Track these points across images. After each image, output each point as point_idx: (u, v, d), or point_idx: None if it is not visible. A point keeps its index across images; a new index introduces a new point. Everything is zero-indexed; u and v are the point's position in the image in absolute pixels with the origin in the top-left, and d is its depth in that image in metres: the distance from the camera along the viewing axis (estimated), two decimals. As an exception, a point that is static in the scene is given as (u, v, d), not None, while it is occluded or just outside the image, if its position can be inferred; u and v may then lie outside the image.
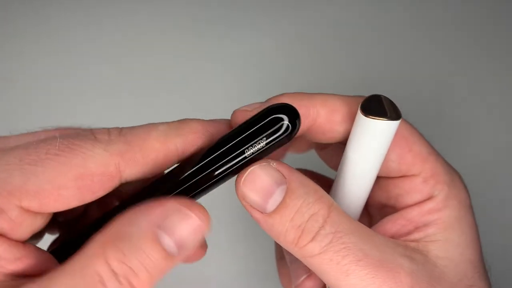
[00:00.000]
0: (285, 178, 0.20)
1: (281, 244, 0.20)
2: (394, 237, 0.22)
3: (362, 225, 0.21)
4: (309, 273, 0.24)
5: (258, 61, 0.44)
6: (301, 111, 0.20)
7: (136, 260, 0.17)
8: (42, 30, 0.46)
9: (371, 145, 0.20)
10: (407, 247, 0.21)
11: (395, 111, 0.20)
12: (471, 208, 0.22)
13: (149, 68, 0.45)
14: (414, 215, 0.22)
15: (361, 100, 0.21)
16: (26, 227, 0.19)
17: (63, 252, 0.21)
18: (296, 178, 0.20)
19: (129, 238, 0.17)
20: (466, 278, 0.21)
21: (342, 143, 0.22)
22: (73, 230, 0.25)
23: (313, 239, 0.19)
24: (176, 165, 0.21)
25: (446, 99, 0.41)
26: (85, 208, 0.25)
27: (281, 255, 0.27)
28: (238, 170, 0.20)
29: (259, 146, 0.19)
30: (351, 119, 0.21)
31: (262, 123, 0.19)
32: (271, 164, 0.20)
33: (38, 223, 0.19)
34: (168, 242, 0.17)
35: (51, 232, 0.25)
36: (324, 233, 0.19)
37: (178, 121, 0.21)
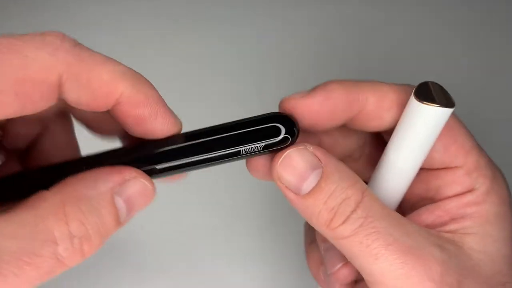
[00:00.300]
0: (321, 162, 0.20)
1: (314, 226, 0.21)
2: (428, 227, 0.22)
3: (395, 212, 0.21)
4: (345, 261, 0.24)
5: (261, 60, 0.44)
6: (350, 97, 0.21)
7: (94, 222, 0.17)
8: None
9: (422, 131, 0.20)
10: (441, 237, 0.21)
11: (448, 99, 0.20)
12: (511, 205, 0.22)
13: (150, 67, 0.44)
14: (452, 206, 0.22)
15: (408, 88, 0.21)
16: None
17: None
18: (331, 163, 0.21)
19: (89, 200, 0.17)
20: (501, 274, 0.21)
21: (388, 132, 0.22)
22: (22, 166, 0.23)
23: (344, 221, 0.20)
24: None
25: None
26: (35, 141, 0.23)
27: (312, 239, 0.28)
28: (216, 160, 0.20)
29: (248, 147, 0.20)
30: (399, 106, 0.21)
31: (259, 127, 0.20)
32: (308, 148, 0.21)
33: None
34: (121, 206, 0.18)
35: None
36: (355, 217, 0.20)
37: (139, 74, 0.19)
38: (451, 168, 0.22)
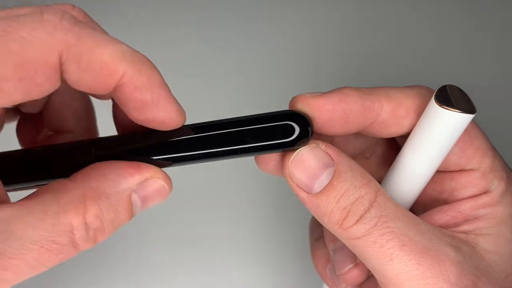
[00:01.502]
0: (333, 160, 0.20)
1: (325, 225, 0.21)
2: (442, 227, 0.22)
3: (408, 212, 0.21)
4: (356, 262, 0.24)
5: (264, 61, 0.44)
6: (365, 104, 0.21)
7: (109, 218, 0.18)
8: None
9: (441, 136, 0.20)
10: (454, 238, 0.21)
11: (469, 104, 0.20)
12: None
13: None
14: (466, 207, 0.22)
15: (425, 92, 0.21)
16: None
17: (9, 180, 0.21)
18: (344, 161, 0.20)
19: (108, 197, 0.18)
20: None
21: (404, 136, 0.22)
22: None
23: (357, 221, 0.20)
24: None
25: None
26: (48, 104, 0.24)
27: (318, 235, 0.27)
28: (223, 155, 0.20)
29: (260, 145, 0.20)
30: (416, 113, 0.21)
31: (273, 124, 0.20)
32: (320, 146, 0.20)
33: None
34: (137, 202, 0.19)
35: (8, 121, 0.25)
36: (369, 216, 0.20)
37: (142, 55, 0.19)
38: (466, 170, 0.22)
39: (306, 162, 0.20)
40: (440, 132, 0.20)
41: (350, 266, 0.24)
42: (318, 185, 0.20)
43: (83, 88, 0.18)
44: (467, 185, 0.22)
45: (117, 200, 0.18)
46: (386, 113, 0.21)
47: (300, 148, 0.20)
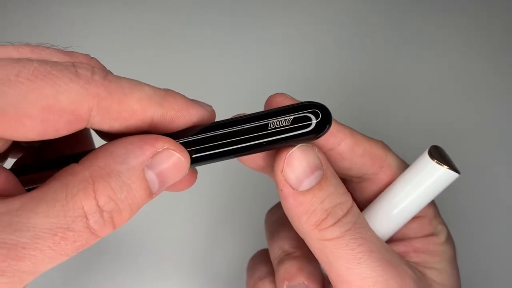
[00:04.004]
0: (323, 165, 0.21)
1: (299, 224, 0.21)
2: None
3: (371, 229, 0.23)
4: None
5: (263, 60, 0.45)
6: (329, 134, 0.23)
7: (124, 197, 0.17)
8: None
9: (429, 189, 0.23)
10: (409, 262, 0.24)
11: (454, 165, 0.23)
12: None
13: (153, 66, 0.44)
14: (417, 242, 0.25)
15: (382, 145, 0.25)
16: None
17: (24, 172, 0.21)
18: (331, 168, 0.22)
19: (119, 175, 0.17)
20: None
21: (356, 176, 0.25)
22: (38, 155, 0.24)
23: (335, 223, 0.21)
24: None
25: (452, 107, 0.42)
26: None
27: (262, 275, 0.27)
28: (243, 151, 0.20)
29: (281, 135, 0.20)
30: (369, 157, 0.24)
31: (295, 115, 0.20)
32: (314, 148, 0.21)
33: None
34: (153, 179, 0.18)
35: (12, 156, 0.24)
36: (345, 221, 0.21)
37: (165, 90, 0.20)
38: (418, 217, 0.25)
39: (301, 160, 0.21)
40: (429, 184, 0.23)
41: None
42: (306, 183, 0.21)
43: (112, 130, 0.19)
44: (416, 230, 0.25)
45: (129, 177, 0.17)
46: (345, 146, 0.23)
47: (298, 145, 0.21)
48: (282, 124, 0.20)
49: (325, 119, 0.20)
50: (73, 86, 0.17)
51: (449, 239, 0.26)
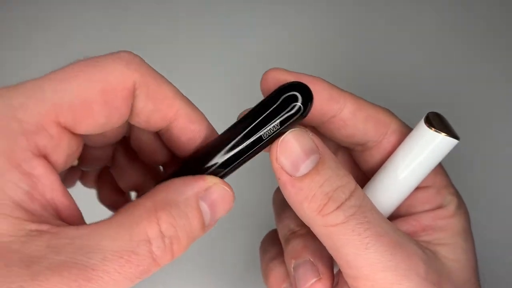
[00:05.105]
0: (318, 148, 0.21)
1: (302, 211, 0.21)
2: None
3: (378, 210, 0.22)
4: (319, 276, 0.24)
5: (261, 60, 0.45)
6: (333, 95, 0.23)
7: (182, 225, 0.19)
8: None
9: (428, 157, 0.22)
10: (419, 242, 0.23)
11: (453, 131, 0.22)
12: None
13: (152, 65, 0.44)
14: (424, 219, 0.24)
15: (387, 111, 0.24)
16: (64, 149, 0.19)
17: None
18: (328, 151, 0.21)
19: (178, 205, 0.19)
20: (470, 283, 0.23)
21: (359, 144, 0.24)
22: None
23: (338, 208, 0.20)
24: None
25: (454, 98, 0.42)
26: (112, 159, 0.27)
27: (273, 255, 0.27)
28: (255, 152, 0.21)
29: (273, 128, 0.20)
30: (373, 122, 0.24)
31: (275, 105, 0.20)
32: (308, 132, 0.21)
33: (73, 146, 0.20)
34: (205, 210, 0.20)
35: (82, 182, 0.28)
36: (349, 204, 0.20)
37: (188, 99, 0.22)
38: (422, 187, 0.24)
39: (294, 145, 0.20)
40: (428, 152, 0.22)
41: (313, 281, 0.24)
42: (303, 168, 0.20)
43: (145, 118, 0.21)
44: (423, 201, 0.24)
45: (187, 206, 0.19)
46: (348, 111, 0.23)
47: (289, 131, 0.20)
48: (273, 128, 0.20)
49: (306, 95, 0.20)
50: (117, 67, 0.20)
51: (460, 210, 0.24)
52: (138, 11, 0.47)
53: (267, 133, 0.20)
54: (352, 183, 0.21)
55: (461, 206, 0.24)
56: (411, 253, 0.21)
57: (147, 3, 0.47)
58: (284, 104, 0.20)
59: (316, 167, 0.20)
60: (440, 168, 0.25)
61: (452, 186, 0.25)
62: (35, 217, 0.17)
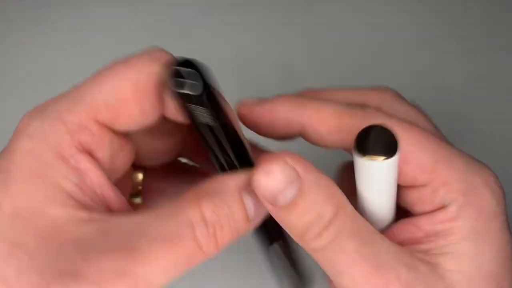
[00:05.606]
0: (300, 176, 0.20)
1: (290, 235, 0.21)
2: (403, 243, 0.22)
3: (369, 228, 0.21)
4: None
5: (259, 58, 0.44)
6: (291, 115, 0.23)
7: (224, 214, 0.19)
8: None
9: (375, 183, 0.21)
10: (413, 257, 0.21)
11: (391, 143, 0.19)
12: (499, 215, 0.21)
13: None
14: (424, 223, 0.22)
15: (351, 111, 0.22)
16: (106, 146, 0.21)
17: None
18: (309, 177, 0.20)
19: (221, 194, 0.19)
20: None
21: (345, 149, 0.23)
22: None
23: (316, 236, 0.20)
24: None
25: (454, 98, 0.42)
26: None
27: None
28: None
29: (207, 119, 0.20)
30: (338, 131, 0.23)
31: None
32: (287, 160, 0.20)
33: (115, 144, 0.21)
34: (250, 207, 0.20)
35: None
36: (326, 233, 0.20)
37: None
38: (416, 186, 0.22)
39: (272, 177, 0.19)
40: (372, 179, 0.21)
41: None
42: (282, 200, 0.20)
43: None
44: (421, 200, 0.22)
45: (229, 197, 0.20)
46: (309, 128, 0.23)
47: (268, 162, 0.20)
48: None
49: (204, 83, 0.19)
50: (149, 65, 0.20)
51: (467, 208, 0.21)
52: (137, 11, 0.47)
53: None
54: (331, 210, 0.20)
55: (468, 203, 0.21)
56: (389, 277, 0.20)
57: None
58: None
59: (295, 200, 0.20)
60: (439, 163, 0.21)
61: (462, 180, 0.21)
62: (86, 208, 0.19)
